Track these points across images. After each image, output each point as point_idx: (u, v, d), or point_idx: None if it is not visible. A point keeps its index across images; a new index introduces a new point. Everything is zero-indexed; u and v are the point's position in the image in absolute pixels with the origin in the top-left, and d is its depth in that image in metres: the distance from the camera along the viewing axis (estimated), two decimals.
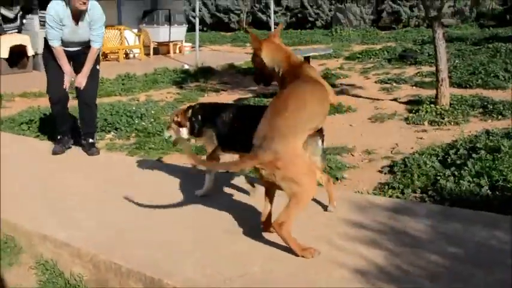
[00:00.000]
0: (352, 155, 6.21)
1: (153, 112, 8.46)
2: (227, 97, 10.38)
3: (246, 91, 10.96)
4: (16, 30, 13.33)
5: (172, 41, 16.59)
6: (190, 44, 17.49)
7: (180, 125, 4.44)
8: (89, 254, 3.40)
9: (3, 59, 12.77)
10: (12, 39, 12.93)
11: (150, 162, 5.70)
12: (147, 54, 16.01)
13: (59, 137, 6.11)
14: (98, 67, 6.06)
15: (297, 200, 3.19)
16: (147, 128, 7.54)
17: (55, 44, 5.70)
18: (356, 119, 8.02)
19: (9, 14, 13.06)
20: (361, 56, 15.33)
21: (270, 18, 21.01)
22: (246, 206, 4.14)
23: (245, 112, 4.30)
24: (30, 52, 13.12)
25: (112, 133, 7.58)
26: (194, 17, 20.46)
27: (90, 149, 6.06)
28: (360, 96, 9.83)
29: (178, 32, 16.75)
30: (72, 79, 5.88)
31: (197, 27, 15.04)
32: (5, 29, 12.97)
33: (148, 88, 11.39)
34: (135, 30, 16.26)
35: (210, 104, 4.80)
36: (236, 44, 21.20)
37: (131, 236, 3.65)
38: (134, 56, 16.34)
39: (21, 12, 13.31)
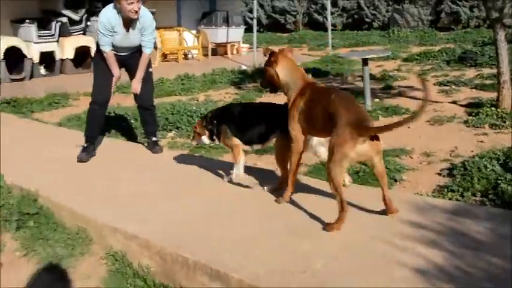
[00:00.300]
0: (411, 157, 6.22)
1: None
2: (284, 98, 10.44)
3: None
4: (81, 32, 13.77)
5: (230, 42, 16.82)
6: (247, 45, 17.68)
7: (200, 134, 5.02)
8: (157, 246, 3.56)
9: (69, 59, 13.24)
10: (78, 40, 13.38)
11: (212, 161, 5.86)
12: (205, 55, 16.28)
13: (86, 145, 6.07)
14: (150, 70, 6.15)
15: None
16: None
17: (106, 49, 5.79)
18: (414, 122, 7.96)
19: (75, 17, 13.51)
20: (419, 58, 15.19)
21: (326, 19, 21.04)
22: (310, 205, 4.23)
23: (249, 109, 5.06)
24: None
25: (173, 132, 7.81)
26: (251, 18, 20.68)
27: (154, 147, 6.25)
28: (418, 99, 9.74)
29: (236, 33, 16.97)
30: (119, 83, 6.02)
31: (255, 28, 15.22)
32: (71, 31, 13.43)
33: (207, 88, 11.61)
34: (194, 32, 16.56)
35: (218, 108, 5.33)
36: (292, 44, 21.26)
37: (198, 230, 3.81)
38: (193, 57, 16.65)
39: (86, 15, 13.76)
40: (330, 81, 12.55)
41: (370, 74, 9.39)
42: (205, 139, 5.02)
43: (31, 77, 12.61)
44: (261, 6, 28.24)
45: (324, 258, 3.31)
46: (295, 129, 4.10)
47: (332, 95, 3.88)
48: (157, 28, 14.60)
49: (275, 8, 28.86)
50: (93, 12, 13.74)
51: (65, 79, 12.69)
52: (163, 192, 4.74)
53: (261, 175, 5.06)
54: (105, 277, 3.77)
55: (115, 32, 5.71)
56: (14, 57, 12.21)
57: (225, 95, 10.88)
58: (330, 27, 18.28)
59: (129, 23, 5.76)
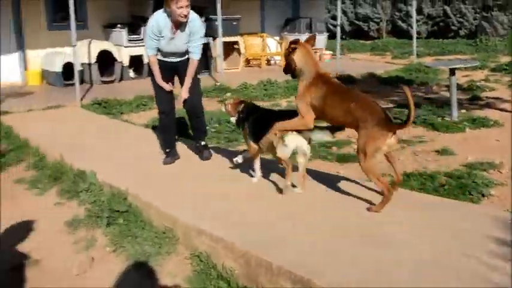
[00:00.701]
0: (500, 172, 6.02)
1: None
2: None
3: (387, 100, 10.89)
4: None
5: (313, 49, 16.79)
6: (330, 52, 17.62)
7: (230, 112, 5.43)
8: (242, 249, 3.64)
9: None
10: None
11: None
12: None
13: (167, 150, 6.19)
14: (198, 76, 6.17)
15: None
16: None
17: (150, 52, 5.84)
18: (503, 134, 7.72)
19: None
20: (508, 68, 14.64)
21: (410, 27, 20.65)
22: (390, 213, 4.20)
23: (269, 114, 5.24)
24: None
25: None
26: (334, 25, 20.61)
27: (204, 153, 6.20)
28: (507, 111, 9.42)
29: (319, 40, 16.86)
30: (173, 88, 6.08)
31: (338, 35, 15.17)
32: None
33: (289, 94, 11.66)
34: (277, 38, 16.69)
35: (252, 104, 5.61)
36: (375, 52, 21.06)
37: (282, 234, 3.86)
38: (275, 63, 16.78)
39: None
40: (414, 91, 12.31)
41: (457, 84, 9.14)
42: (232, 119, 5.46)
43: (121, 79, 13.15)
44: (344, 13, 28.04)
45: (409, 272, 3.27)
46: (304, 107, 4.54)
47: (354, 99, 4.42)
48: (241, 34, 15.08)
49: (358, 15, 28.59)
50: None
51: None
52: (244, 193, 4.86)
53: (335, 184, 5.05)
54: (190, 277, 3.87)
55: (162, 36, 5.71)
56: (106, 60, 12.78)
57: None
58: (415, 35, 17.87)
59: (177, 26, 5.74)
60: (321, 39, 16.96)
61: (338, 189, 4.90)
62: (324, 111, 4.49)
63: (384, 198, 4.29)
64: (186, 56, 5.97)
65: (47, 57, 12.80)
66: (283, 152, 4.70)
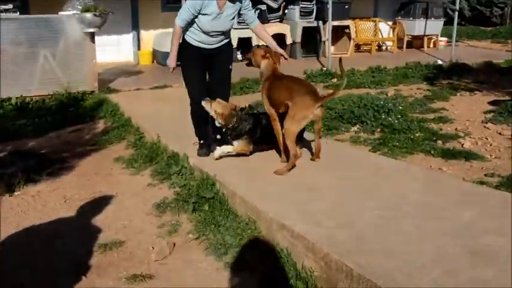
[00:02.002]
0: None
1: (400, 108, 8.25)
2: (481, 98, 9.69)
3: (504, 92, 10.11)
4: (278, 20, 14.04)
5: (427, 35, 16.02)
6: (445, 39, 16.71)
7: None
8: (323, 251, 3.39)
9: (265, 46, 13.52)
10: (274, 28, 13.64)
11: (393, 162, 5.55)
12: (400, 48, 15.70)
13: (201, 141, 5.87)
14: (230, 67, 5.89)
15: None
16: (393, 124, 7.36)
17: (179, 23, 5.46)
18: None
19: (274, 5, 13.77)
20: None
21: None
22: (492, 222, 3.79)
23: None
24: (289, 40, 13.74)
25: (357, 126, 7.57)
26: (452, 10, 19.51)
27: (213, 145, 5.84)
28: None
29: (435, 25, 16.09)
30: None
31: (455, 21, 14.27)
32: (268, 19, 13.74)
33: (397, 82, 11.15)
34: (390, 23, 16.05)
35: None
36: (496, 40, 19.72)
37: (368, 239, 3.56)
38: (386, 49, 16.16)
39: (284, 3, 13.97)
40: None
41: None
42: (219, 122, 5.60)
43: None
44: None
45: None
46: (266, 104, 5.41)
47: (290, 78, 5.31)
48: (352, 18, 14.59)
49: None
50: (291, 0, 13.92)
51: None
52: (336, 190, 4.55)
53: (437, 185, 4.66)
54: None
55: (205, 14, 5.37)
56: None
57: (416, 91, 10.35)
58: None
59: (224, 2, 5.43)
60: (437, 24, 16.11)
61: (439, 190, 4.51)
62: (272, 97, 5.24)
63: (288, 163, 5.05)
64: (224, 42, 5.75)
65: (158, 37, 13.05)
66: None
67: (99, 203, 5.21)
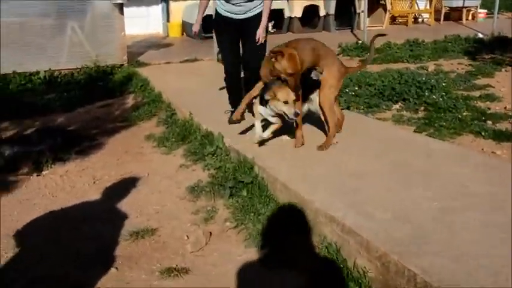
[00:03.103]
0: None
1: (443, 84, 7.81)
2: None
3: None
4: None
5: (465, 7, 15.35)
6: (484, 11, 16.02)
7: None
8: (379, 250, 3.02)
9: (298, 18, 13.09)
10: None
11: (445, 146, 5.13)
12: (437, 20, 15.08)
13: (232, 110, 5.78)
14: (266, 40, 5.70)
15: None
16: (438, 102, 6.94)
17: None
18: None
19: None
20: None
21: None
22: None
23: None
24: (322, 12, 13.27)
25: (399, 104, 7.16)
26: None
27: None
28: None
29: None
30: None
31: None
32: None
33: (437, 57, 10.65)
34: None
35: None
36: None
37: (430, 237, 3.15)
38: (423, 21, 15.55)
39: None
40: None
41: None
42: None
43: None
44: None
45: None
46: None
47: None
48: None
49: None
50: None
51: (292, 38, 12.49)
52: (387, 177, 4.15)
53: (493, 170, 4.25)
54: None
55: None
56: None
57: (458, 66, 9.83)
58: None
59: None
60: None
61: (501, 179, 4.09)
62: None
63: (330, 134, 4.88)
64: (254, 12, 5.61)
65: (187, 9, 12.68)
66: None
67: (130, 185, 4.94)
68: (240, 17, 5.61)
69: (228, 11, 5.59)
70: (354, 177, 4.15)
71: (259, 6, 5.63)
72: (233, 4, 5.53)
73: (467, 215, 3.43)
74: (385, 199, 3.71)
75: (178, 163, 5.40)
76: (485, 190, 3.83)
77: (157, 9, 12.97)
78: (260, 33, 5.61)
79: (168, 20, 13.02)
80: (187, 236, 3.93)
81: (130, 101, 7.89)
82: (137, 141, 6.20)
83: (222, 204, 4.38)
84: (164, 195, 4.73)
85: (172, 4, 12.95)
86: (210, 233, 3.95)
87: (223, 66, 5.98)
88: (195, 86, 7.92)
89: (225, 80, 5.96)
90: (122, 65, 9.48)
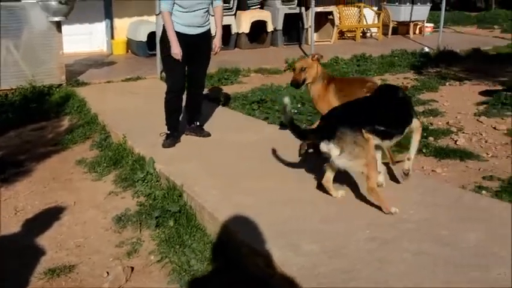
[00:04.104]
0: None
1: None
2: (471, 87, 9.20)
3: (494, 82, 9.62)
4: (258, 6, 13.43)
5: (413, 21, 15.47)
6: (431, 25, 16.19)
7: None
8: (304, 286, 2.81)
9: (245, 33, 12.93)
10: (254, 14, 13.04)
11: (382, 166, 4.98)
12: (385, 34, 15.15)
13: (168, 132, 5.72)
14: (211, 56, 5.81)
15: None
16: None
17: (164, 8, 5.35)
18: None
19: None
20: None
21: None
22: None
23: None
24: (270, 28, 13.14)
25: None
26: None
27: (202, 132, 5.96)
28: None
29: (421, 11, 15.53)
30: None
31: (443, 6, 13.71)
32: (248, 5, 13.14)
33: (384, 71, 10.64)
34: (375, 8, 15.48)
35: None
36: (482, 25, 19.22)
37: (359, 271, 2.94)
38: (371, 35, 15.60)
39: None
40: None
41: None
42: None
43: None
44: None
45: None
46: None
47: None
48: (336, 4, 14.01)
49: None
50: None
51: (239, 54, 12.43)
52: (317, 204, 3.95)
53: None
54: None
55: None
56: None
57: (403, 80, 9.82)
58: None
59: None
60: (423, 10, 15.57)
61: (438, 203, 3.94)
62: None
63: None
64: (206, 27, 5.62)
65: (132, 26, 12.39)
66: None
67: (53, 216, 4.61)
68: (197, 32, 5.55)
69: (187, 25, 5.47)
70: (285, 205, 3.94)
71: (208, 23, 5.65)
72: (194, 13, 5.44)
73: (399, 245, 3.26)
74: (316, 229, 3.51)
75: (108, 190, 5.11)
76: (420, 216, 3.67)
77: (100, 26, 12.59)
78: (217, 44, 5.68)
79: (112, 37, 12.68)
80: (107, 273, 3.65)
81: (65, 123, 7.54)
82: (67, 166, 5.87)
83: (148, 236, 4.11)
84: (89, 226, 4.43)
85: (116, 21, 12.62)
86: (132, 268, 3.68)
87: (166, 86, 5.79)
88: (134, 106, 7.63)
89: (169, 100, 5.73)
90: (60, 84, 9.10)
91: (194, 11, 5.45)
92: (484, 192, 4.60)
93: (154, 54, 10.21)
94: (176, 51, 5.41)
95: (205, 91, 6.77)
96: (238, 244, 3.41)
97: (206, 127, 6.17)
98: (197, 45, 5.58)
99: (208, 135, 5.97)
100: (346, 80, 6.15)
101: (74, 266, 3.77)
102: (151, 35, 11.37)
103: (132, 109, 7.40)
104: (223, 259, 3.51)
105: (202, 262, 3.54)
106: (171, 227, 4.02)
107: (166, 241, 3.90)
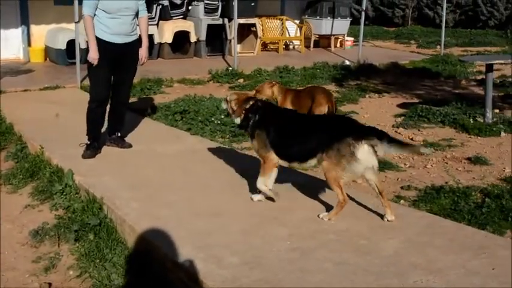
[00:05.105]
0: None
1: None
2: (390, 100, 9.52)
3: (411, 94, 10.00)
4: (181, 16, 13.36)
5: (334, 35, 15.85)
6: (352, 38, 16.65)
7: (234, 112, 4.38)
8: None
9: (168, 43, 12.83)
10: (177, 24, 12.96)
11: (302, 178, 5.06)
12: (307, 47, 15.44)
13: (89, 142, 5.61)
14: (137, 67, 5.80)
15: None
16: None
17: (86, 11, 5.28)
18: None
19: (177, 0, 13.09)
20: None
21: (437, 14, 19.57)
22: None
23: (303, 121, 4.31)
24: (193, 38, 13.09)
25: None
26: (357, 10, 19.59)
27: (123, 143, 5.87)
28: None
29: (341, 25, 15.95)
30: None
31: (362, 20, 14.13)
32: (171, 15, 13.04)
33: (306, 83, 10.79)
34: (297, 21, 15.76)
35: (268, 103, 4.79)
36: (400, 40, 19.96)
37: (279, 282, 2.96)
38: (294, 48, 15.86)
39: None
40: (440, 84, 11.39)
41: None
42: (237, 120, 4.38)
43: None
44: None
45: None
46: None
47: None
48: (259, 16, 14.15)
49: (383, 0, 27.42)
50: None
51: (162, 64, 12.31)
52: (239, 215, 3.97)
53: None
54: None
55: None
56: None
57: None
58: (443, 24, 16.68)
59: None
60: (343, 24, 15.99)
61: (357, 213, 4.03)
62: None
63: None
64: (133, 36, 5.57)
65: (50, 33, 12.02)
66: (352, 171, 3.78)
67: None
68: (125, 40, 5.47)
69: (114, 33, 5.38)
70: (207, 217, 3.93)
71: (135, 32, 5.60)
72: (119, 19, 5.35)
73: (320, 255, 3.30)
74: (237, 241, 3.52)
75: (24, 203, 4.91)
76: (340, 226, 3.75)
77: (16, 33, 12.13)
78: (143, 54, 5.66)
79: (29, 45, 12.26)
80: None
81: None
82: None
83: (67, 250, 3.98)
84: (3, 241, 4.22)
85: (33, 28, 12.21)
86: (50, 285, 3.55)
87: (88, 96, 5.71)
88: (52, 115, 7.38)
89: (93, 110, 5.59)
90: None
91: (120, 17, 5.37)
92: (402, 201, 4.75)
93: (74, 63, 9.98)
94: (93, 55, 5.30)
95: None
96: (162, 258, 3.36)
97: (128, 138, 6.07)
98: (124, 54, 5.51)
99: (130, 146, 5.86)
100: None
101: None
102: (71, 43, 11.10)
103: (51, 119, 7.16)
104: (145, 273, 3.44)
105: (123, 276, 3.46)
106: (91, 241, 3.90)
107: (86, 255, 3.78)
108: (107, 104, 5.65)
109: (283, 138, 4.08)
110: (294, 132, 4.10)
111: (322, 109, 6.06)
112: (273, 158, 4.11)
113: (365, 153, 3.69)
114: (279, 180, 4.30)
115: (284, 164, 4.25)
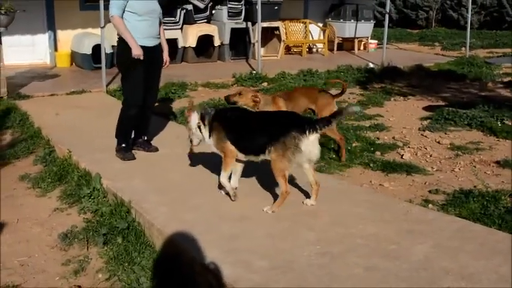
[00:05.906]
0: None
1: None
2: (415, 103, 9.43)
3: (437, 97, 9.90)
4: (205, 20, 13.40)
5: (357, 37, 15.76)
6: (375, 41, 16.56)
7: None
8: None
9: (192, 47, 12.88)
10: (201, 29, 13.01)
11: (330, 182, 5.03)
12: (331, 50, 15.38)
13: (124, 145, 5.66)
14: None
15: None
16: None
17: (114, 12, 5.28)
18: None
19: (200, 4, 13.12)
20: None
21: (461, 16, 19.34)
22: None
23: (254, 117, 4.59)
24: (217, 42, 13.13)
25: None
26: (380, 13, 19.47)
27: (150, 147, 5.91)
28: None
29: (365, 28, 15.86)
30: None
31: (386, 23, 14.05)
32: (195, 19, 13.09)
33: (330, 86, 10.75)
34: (320, 25, 15.72)
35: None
36: (424, 42, 19.79)
37: (317, 286, 2.95)
38: (317, 51, 15.81)
39: (211, 3, 13.34)
40: (466, 86, 11.25)
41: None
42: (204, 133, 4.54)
43: None
44: (392, 0, 26.70)
45: None
46: None
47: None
48: (282, 19, 14.14)
49: (406, 2, 27.20)
50: (219, 0, 13.32)
51: (186, 68, 12.35)
52: (267, 220, 3.97)
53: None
54: None
55: None
56: None
57: (349, 95, 9.97)
58: (469, 26, 16.48)
59: None
60: (367, 27, 15.90)
61: (386, 217, 4.01)
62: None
63: None
64: (159, 39, 5.66)
65: (76, 38, 12.16)
66: (297, 162, 4.04)
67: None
68: (155, 43, 5.56)
69: (146, 37, 5.43)
70: (234, 221, 3.94)
71: (160, 35, 5.70)
72: (148, 22, 5.40)
73: (349, 260, 3.28)
74: (266, 245, 3.51)
75: (53, 206, 4.97)
76: (369, 231, 3.72)
77: (43, 38, 12.30)
78: (167, 58, 5.79)
79: (55, 49, 12.41)
80: None
81: (7, 137, 7.30)
82: (10, 182, 5.68)
83: (95, 253, 4.01)
84: (33, 244, 4.28)
85: (60, 33, 12.36)
86: (80, 287, 3.57)
87: (113, 100, 5.75)
88: (79, 120, 7.46)
89: (129, 115, 5.59)
90: (1, 97, 8.83)
91: (150, 19, 5.42)
92: (430, 205, 4.71)
93: (100, 68, 10.06)
94: (137, 51, 5.31)
95: None
96: (190, 261, 3.36)
97: (153, 142, 6.10)
98: (154, 57, 5.58)
99: (156, 150, 5.89)
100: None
101: (18, 286, 3.64)
102: (96, 48, 11.21)
103: (78, 123, 7.24)
104: (173, 276, 3.45)
105: (151, 280, 3.47)
106: (119, 244, 3.94)
107: (115, 258, 3.81)
108: (139, 108, 5.63)
109: (238, 133, 4.33)
110: (247, 127, 4.37)
111: (332, 108, 5.84)
112: (232, 149, 4.31)
113: (309, 145, 3.98)
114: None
115: (242, 157, 4.39)
